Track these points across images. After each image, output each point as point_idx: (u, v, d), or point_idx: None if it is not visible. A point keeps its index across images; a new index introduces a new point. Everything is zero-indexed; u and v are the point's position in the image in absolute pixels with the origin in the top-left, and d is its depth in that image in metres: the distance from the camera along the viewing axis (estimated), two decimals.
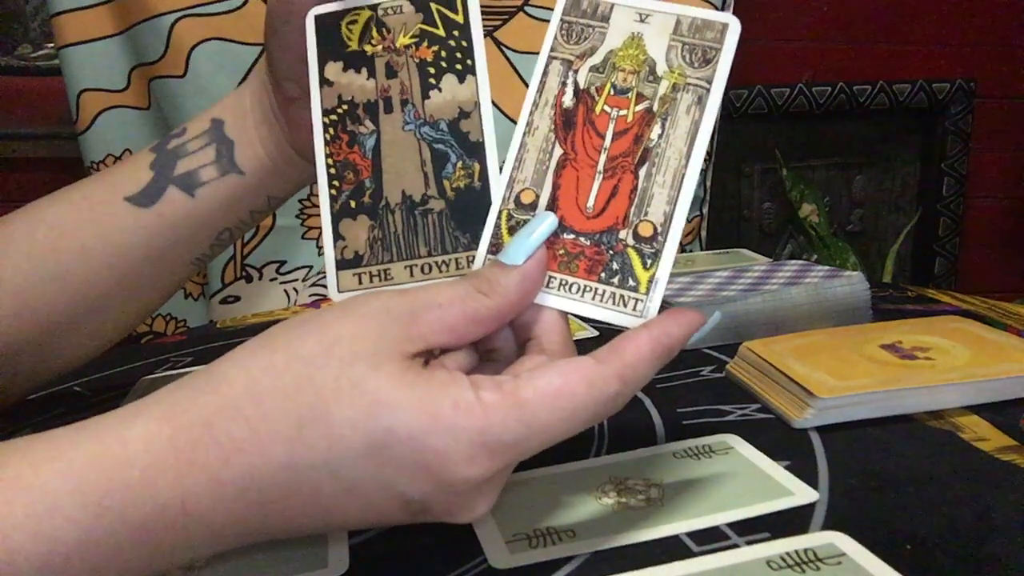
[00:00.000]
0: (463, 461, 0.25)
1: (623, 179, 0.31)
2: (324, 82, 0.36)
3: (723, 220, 1.53)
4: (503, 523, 0.32)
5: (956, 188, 1.61)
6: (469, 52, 0.34)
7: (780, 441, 0.38)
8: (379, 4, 0.35)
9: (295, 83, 0.40)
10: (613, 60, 0.32)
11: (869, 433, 0.39)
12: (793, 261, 0.63)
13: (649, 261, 0.30)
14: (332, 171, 0.35)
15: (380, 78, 0.35)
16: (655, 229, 0.30)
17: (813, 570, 0.28)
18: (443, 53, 0.34)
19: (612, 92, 0.31)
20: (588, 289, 0.30)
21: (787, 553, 0.29)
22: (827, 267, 0.59)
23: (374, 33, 0.35)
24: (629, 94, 0.31)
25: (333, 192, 0.35)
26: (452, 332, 0.27)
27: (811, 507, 0.32)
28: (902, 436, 0.38)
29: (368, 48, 0.35)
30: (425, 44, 0.35)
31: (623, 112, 0.31)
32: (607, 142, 0.31)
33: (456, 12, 0.34)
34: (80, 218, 0.43)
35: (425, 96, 0.34)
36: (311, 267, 1.06)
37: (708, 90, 0.30)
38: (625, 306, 0.30)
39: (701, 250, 1.24)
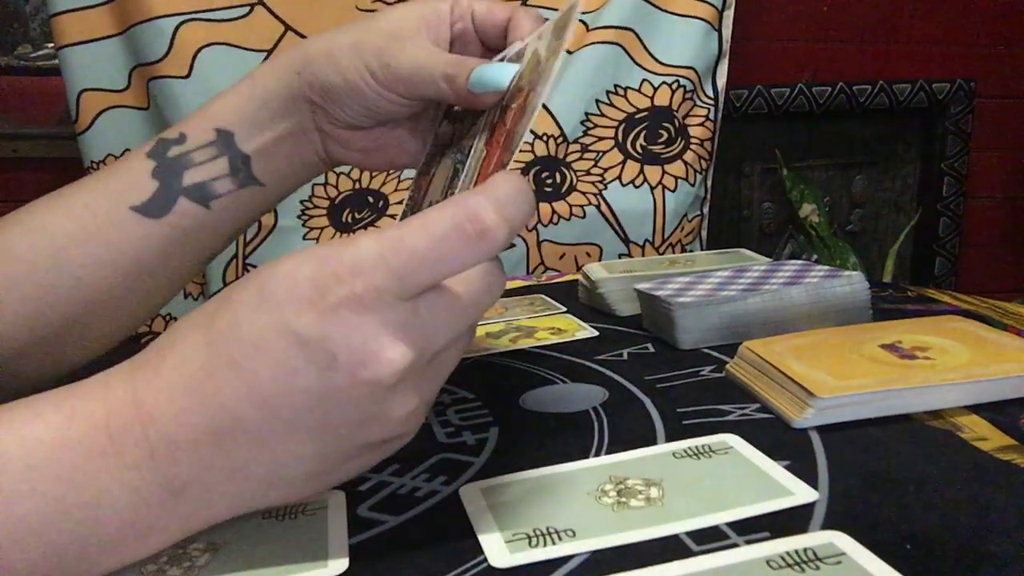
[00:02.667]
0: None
1: (508, 138, 0.34)
2: (435, 135, 0.44)
3: (723, 220, 1.54)
4: (503, 523, 0.32)
5: (956, 188, 1.61)
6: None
7: (780, 441, 0.38)
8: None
9: (376, 121, 0.43)
10: (521, 74, 0.37)
11: (869, 433, 0.39)
12: (793, 261, 0.63)
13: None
14: (411, 194, 0.43)
15: (457, 125, 0.42)
16: (511, 156, 0.33)
17: (813, 569, 0.28)
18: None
19: (516, 93, 0.36)
20: None
21: (787, 552, 0.29)
22: (827, 267, 0.59)
23: None
24: (525, 87, 0.35)
25: (403, 209, 0.43)
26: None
27: (811, 507, 0.32)
28: (902, 436, 0.38)
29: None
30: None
31: (519, 100, 0.35)
32: (508, 124, 0.35)
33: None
34: (85, 229, 0.42)
35: (469, 132, 0.40)
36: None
37: (562, 40, 0.34)
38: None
39: (701, 250, 1.24)
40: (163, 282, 0.45)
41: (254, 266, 1.07)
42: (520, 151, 0.38)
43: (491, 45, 0.43)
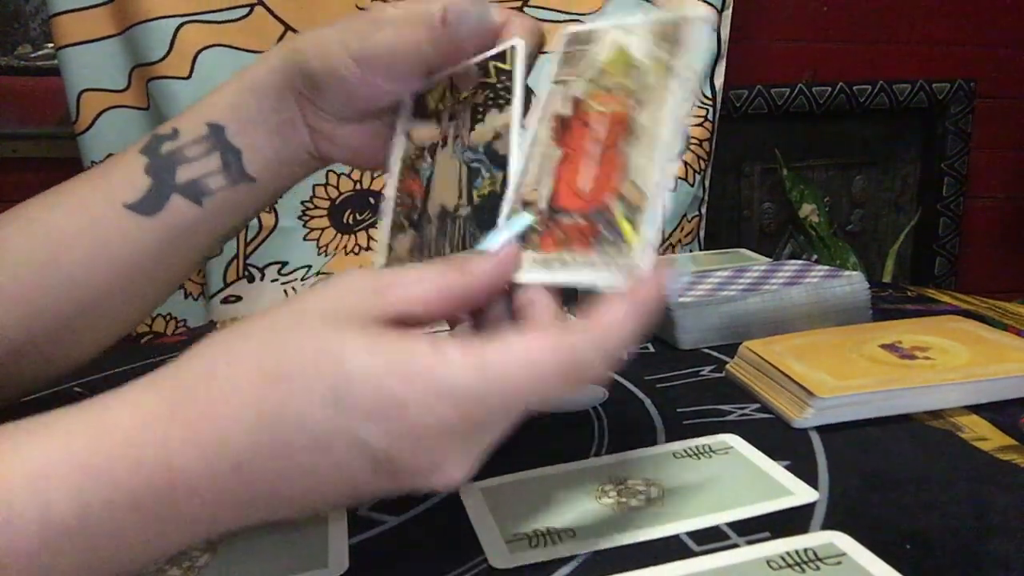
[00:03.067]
0: (418, 404, 0.25)
1: (613, 159, 0.33)
2: (407, 136, 0.42)
3: (723, 220, 1.53)
4: (503, 523, 0.32)
5: (956, 188, 1.60)
6: (510, 89, 0.38)
7: (780, 441, 0.38)
8: (453, 73, 0.40)
9: (361, 113, 0.42)
10: (603, 68, 0.35)
11: (869, 433, 0.39)
12: (793, 261, 0.63)
13: (638, 226, 0.31)
14: (397, 200, 0.41)
15: (443, 124, 0.40)
16: (642, 196, 0.31)
17: (813, 570, 0.28)
18: (491, 95, 0.39)
19: (603, 93, 0.34)
20: (584, 260, 0.32)
21: (787, 553, 0.29)
22: (827, 267, 0.59)
23: (447, 95, 0.41)
24: (617, 91, 0.34)
25: (394, 216, 0.40)
26: (422, 304, 0.28)
27: (811, 507, 0.32)
28: (902, 436, 0.38)
29: (440, 107, 0.41)
30: (479, 91, 0.39)
31: (613, 107, 0.34)
32: (600, 134, 0.33)
33: (506, 63, 0.39)
34: (80, 226, 0.41)
35: (471, 129, 0.39)
36: (310, 266, 1.06)
37: (685, 74, 0.33)
38: (618, 270, 0.31)
39: (701, 250, 1.24)
40: (157, 282, 0.44)
41: (255, 266, 1.06)
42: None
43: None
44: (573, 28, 0.37)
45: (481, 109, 0.39)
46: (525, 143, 0.36)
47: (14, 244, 0.41)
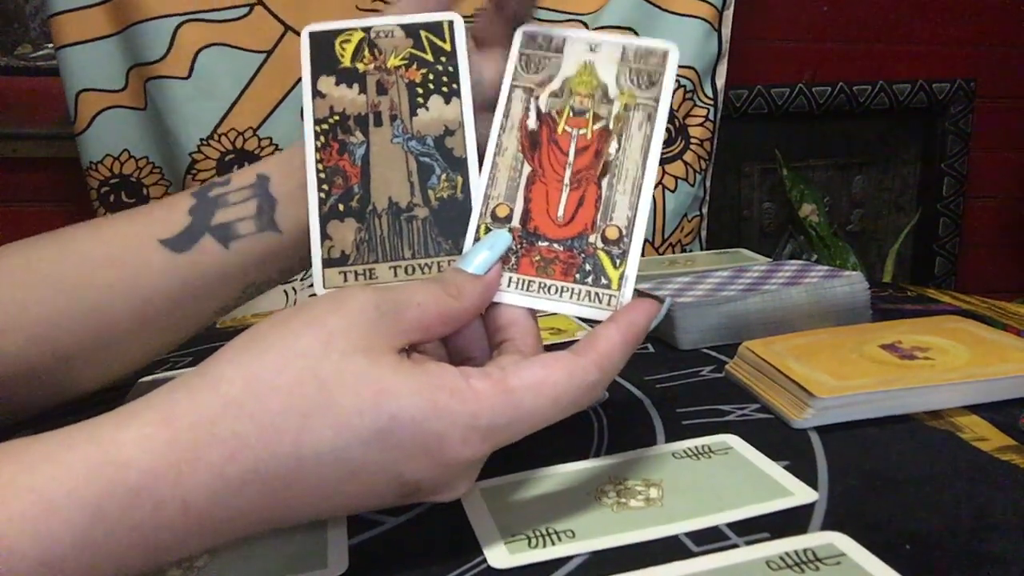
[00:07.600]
0: (458, 443, 0.27)
1: (588, 190, 0.34)
2: (316, 94, 0.38)
3: (723, 220, 1.53)
4: (503, 523, 0.32)
5: (956, 188, 1.60)
6: (455, 77, 0.37)
7: (779, 441, 0.38)
8: (371, 27, 0.38)
9: None
10: (569, 86, 0.36)
11: (869, 433, 0.39)
12: (793, 261, 0.63)
13: (618, 261, 0.33)
14: (322, 175, 0.37)
15: (371, 94, 0.38)
16: (620, 232, 0.34)
17: (812, 570, 0.28)
18: (431, 76, 0.37)
19: (571, 114, 0.35)
20: (565, 290, 0.34)
21: (786, 553, 0.29)
22: (827, 267, 0.59)
23: (366, 53, 0.38)
24: (586, 115, 0.35)
25: (322, 195, 0.37)
26: (426, 330, 0.30)
27: (810, 507, 0.32)
28: (902, 436, 0.38)
29: (360, 66, 0.38)
30: (414, 67, 0.38)
31: (583, 131, 0.35)
32: (571, 158, 0.35)
33: (444, 40, 0.38)
34: (110, 254, 0.42)
35: (413, 113, 0.37)
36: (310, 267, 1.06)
37: (656, 108, 0.35)
38: (600, 302, 0.34)
39: (701, 250, 1.24)
40: (175, 324, 0.44)
41: None
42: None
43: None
44: (529, 28, 0.37)
45: (420, 90, 0.37)
46: (489, 152, 0.36)
47: (48, 263, 0.42)
